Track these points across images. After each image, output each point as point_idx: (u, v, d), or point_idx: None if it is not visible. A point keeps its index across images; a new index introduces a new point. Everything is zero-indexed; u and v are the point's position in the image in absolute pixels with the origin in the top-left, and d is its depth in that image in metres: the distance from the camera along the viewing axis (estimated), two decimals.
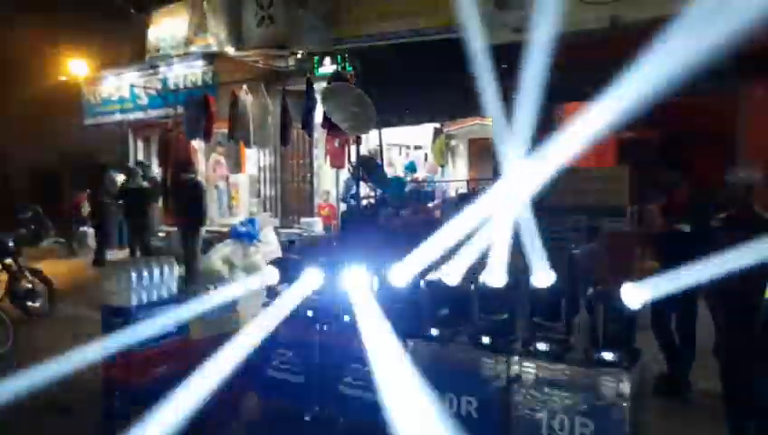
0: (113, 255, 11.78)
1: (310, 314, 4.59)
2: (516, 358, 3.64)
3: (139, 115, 13.56)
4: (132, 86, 13.40)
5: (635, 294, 3.26)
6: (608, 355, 3.38)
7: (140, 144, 15.04)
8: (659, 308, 4.35)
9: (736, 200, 3.59)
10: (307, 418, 4.48)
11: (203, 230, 8.93)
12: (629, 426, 3.32)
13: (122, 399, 4.09)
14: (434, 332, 4.00)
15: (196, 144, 11.73)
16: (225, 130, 10.60)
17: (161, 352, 4.25)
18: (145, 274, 4.16)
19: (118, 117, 14.00)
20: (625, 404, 3.28)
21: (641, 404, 3.52)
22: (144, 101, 13.39)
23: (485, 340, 3.78)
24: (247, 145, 10.83)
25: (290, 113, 9.80)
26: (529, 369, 3.57)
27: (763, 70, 7.30)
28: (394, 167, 14.46)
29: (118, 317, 4.13)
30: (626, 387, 3.29)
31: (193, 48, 11.62)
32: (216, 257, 9.40)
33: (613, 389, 3.29)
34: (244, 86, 10.34)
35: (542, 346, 3.59)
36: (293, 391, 4.57)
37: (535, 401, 3.53)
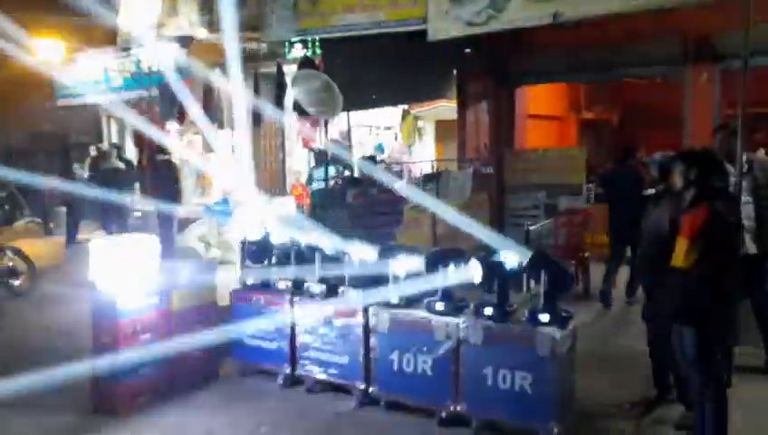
0: (88, 235, 11.93)
1: (282, 286, 4.98)
2: (465, 320, 4.08)
3: (113, 97, 13.59)
4: (106, 69, 13.44)
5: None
6: (544, 317, 3.84)
7: (114, 126, 15.10)
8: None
9: (655, 179, 4.05)
10: (280, 378, 4.89)
11: (178, 210, 9.19)
12: (560, 378, 3.80)
13: (111, 364, 4.42)
14: (393, 299, 4.41)
15: (170, 126, 11.90)
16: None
17: (145, 320, 4.58)
18: (129, 249, 4.48)
19: (91, 98, 14.01)
20: (557, 359, 3.75)
21: (572, 361, 4.00)
22: (118, 82, 13.45)
23: (439, 305, 4.21)
24: (220, 126, 11.05)
25: (262, 96, 10.05)
26: (476, 330, 4.00)
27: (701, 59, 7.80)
28: (364, 147, 14.80)
29: (104, 290, 4.45)
30: (558, 344, 3.75)
31: (165, 31, 11.72)
32: (192, 236, 9.69)
33: (548, 345, 3.75)
34: (217, 69, 10.53)
35: (488, 310, 4.03)
36: (268, 355, 4.96)
37: (482, 358, 3.97)
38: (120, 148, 11.81)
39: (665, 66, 8.59)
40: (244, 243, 5.36)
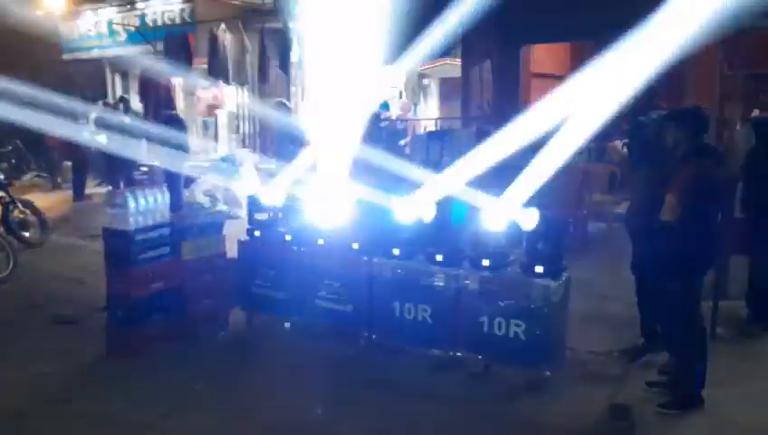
0: (93, 190, 12.08)
1: (288, 238, 5.14)
2: (463, 271, 4.25)
3: (119, 51, 13.57)
4: (110, 22, 13.39)
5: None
6: (538, 268, 4.00)
7: (119, 81, 15.10)
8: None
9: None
10: (287, 325, 5.11)
11: (185, 165, 9.30)
12: (553, 326, 3.99)
13: (124, 309, 4.63)
14: (395, 251, 4.58)
15: (176, 80, 11.92)
16: (205, 67, 10.83)
17: (157, 270, 4.76)
18: (141, 201, 4.63)
19: (96, 53, 14.00)
20: (550, 308, 3.93)
21: (564, 310, 4.18)
22: (123, 37, 13.41)
23: (438, 257, 4.38)
24: (226, 82, 11.07)
25: (268, 52, 10.05)
26: (473, 280, 4.18)
27: None
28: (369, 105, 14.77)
29: (118, 240, 4.62)
30: (551, 294, 3.93)
31: None
32: (199, 191, 9.83)
33: (541, 295, 3.93)
34: (223, 25, 10.51)
35: (485, 261, 4.20)
36: (275, 305, 5.16)
37: (478, 307, 4.16)
38: (126, 101, 11.84)
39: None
40: (251, 197, 5.50)
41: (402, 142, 10.52)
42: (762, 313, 4.91)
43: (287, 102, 9.61)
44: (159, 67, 11.32)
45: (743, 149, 4.81)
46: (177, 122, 9.20)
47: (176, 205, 7.93)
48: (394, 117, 13.89)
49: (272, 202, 5.29)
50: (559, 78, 12.93)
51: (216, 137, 13.45)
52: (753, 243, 4.83)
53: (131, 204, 4.59)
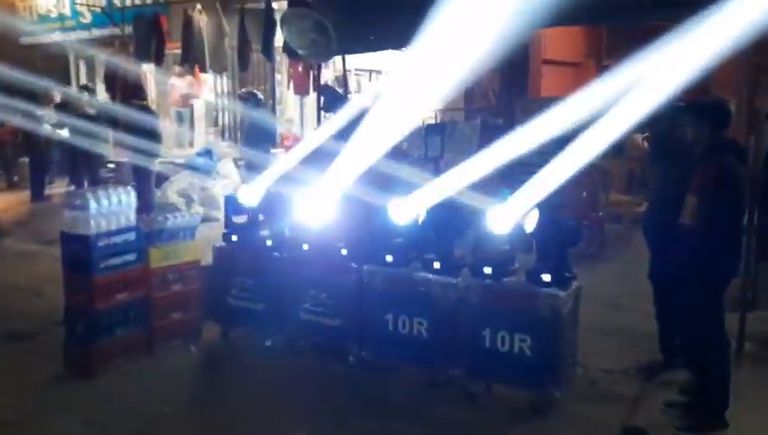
0: (54, 189, 12.04)
1: (269, 243, 5.14)
2: (463, 280, 4.26)
3: (83, 35, 13.54)
4: (73, 2, 13.37)
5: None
6: (545, 277, 4.01)
7: (83, 67, 15.07)
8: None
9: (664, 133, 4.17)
10: (268, 343, 5.10)
11: (156, 161, 9.29)
12: (562, 341, 4.00)
13: (84, 323, 4.62)
14: (388, 258, 4.58)
15: (147, 68, 11.90)
16: (179, 52, 10.82)
17: (122, 278, 4.76)
18: (103, 201, 4.61)
19: (58, 36, 13.96)
20: (558, 321, 3.94)
21: (574, 323, 4.19)
22: (87, 19, 13.38)
23: (436, 264, 4.39)
24: (202, 69, 11.06)
25: (248, 36, 10.05)
26: (474, 290, 4.19)
27: None
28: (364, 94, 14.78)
29: (77, 245, 4.61)
30: (560, 305, 3.93)
31: None
32: (172, 191, 9.82)
33: (548, 306, 3.94)
34: (198, 5, 10.50)
35: (487, 269, 4.21)
36: (254, 318, 5.15)
37: (479, 320, 4.17)
38: (90, 90, 11.81)
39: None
40: (228, 198, 5.51)
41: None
42: None
43: (257, 92, 9.62)
44: (128, 52, 11.32)
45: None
46: (147, 113, 9.20)
47: (145, 206, 7.95)
48: None
49: (251, 203, 5.28)
50: (573, 65, 13.04)
51: (191, 130, 13.44)
52: None
53: (93, 205, 4.58)
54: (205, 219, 9.15)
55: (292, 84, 11.98)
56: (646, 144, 6.36)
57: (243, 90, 10.38)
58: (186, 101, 13.38)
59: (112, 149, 11.26)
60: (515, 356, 4.06)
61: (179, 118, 13.62)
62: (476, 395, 4.23)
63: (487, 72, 9.95)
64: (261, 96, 9.67)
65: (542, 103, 9.87)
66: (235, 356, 5.08)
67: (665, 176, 4.01)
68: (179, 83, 12.85)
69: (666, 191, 3.88)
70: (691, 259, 3.60)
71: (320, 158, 5.57)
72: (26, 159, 12.33)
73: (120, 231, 4.75)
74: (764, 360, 4.58)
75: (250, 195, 5.21)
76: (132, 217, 4.89)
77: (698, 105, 3.78)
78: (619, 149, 10.72)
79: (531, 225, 4.10)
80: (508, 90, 9.79)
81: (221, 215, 9.26)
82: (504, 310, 4.10)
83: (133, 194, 4.93)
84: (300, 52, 7.16)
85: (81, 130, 10.56)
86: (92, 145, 10.75)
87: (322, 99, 8.54)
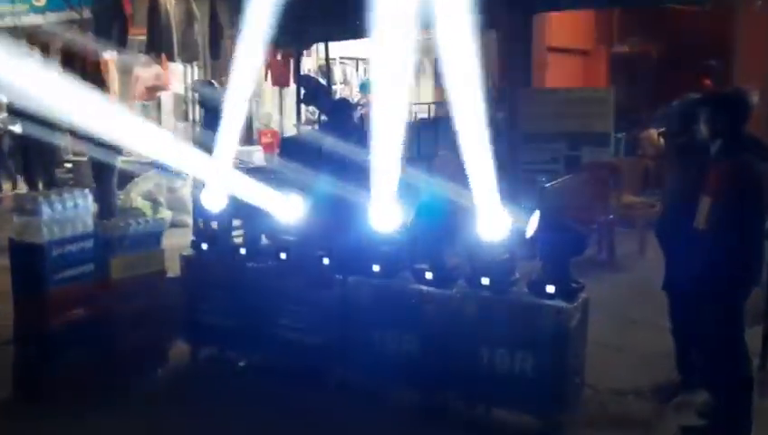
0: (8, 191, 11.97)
1: (242, 251, 5.12)
2: (459, 292, 4.25)
3: (36, 20, 13.48)
4: None
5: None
6: (550, 288, 4.01)
7: (37, 56, 14.96)
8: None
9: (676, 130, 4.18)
10: (242, 364, 5.07)
11: (119, 160, 9.24)
12: (568, 359, 4.00)
13: (37, 344, 4.58)
14: (375, 267, 4.57)
15: (109, 56, 11.84)
16: (144, 39, 10.78)
17: (78, 292, 4.71)
18: (58, 205, 4.57)
19: (8, 21, 13.88)
20: (564, 337, 3.94)
21: (581, 339, 4.19)
22: (41, 2, 13.32)
23: (428, 275, 4.38)
24: (170, 58, 11.02)
25: (220, 21, 10.04)
26: (471, 303, 4.18)
27: None
28: (350, 86, 14.82)
29: (28, 255, 4.58)
30: (565, 319, 3.93)
31: None
32: (136, 193, 9.78)
33: (552, 320, 3.94)
34: None
35: (485, 280, 4.20)
36: (226, 336, 5.13)
37: (477, 336, 4.16)
38: None
39: None
40: (197, 201, 5.48)
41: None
42: None
43: (214, 82, 9.57)
44: (87, 39, 11.24)
45: None
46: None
47: (106, 210, 7.90)
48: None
49: (223, 207, 5.26)
50: (581, 53, 13.12)
51: (158, 125, 13.38)
52: None
53: (46, 210, 4.53)
54: (173, 224, 9.12)
55: (269, 75, 11.97)
56: (662, 140, 6.38)
57: (196, 80, 10.28)
58: (152, 93, 13.33)
59: (70, 145, 11.21)
60: (516, 376, 4.05)
61: (145, 112, 13.57)
62: (475, 420, 4.21)
63: (486, 61, 10.00)
64: (217, 85, 9.59)
65: (546, 96, 10.00)
66: (205, 379, 5.04)
67: (680, 175, 4.02)
68: (145, 74, 12.79)
69: (681, 193, 3.89)
70: (706, 268, 3.61)
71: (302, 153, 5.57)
72: None
73: (76, 239, 4.70)
74: None
75: (215, 198, 5.17)
76: (90, 222, 4.85)
77: (715, 97, 3.79)
78: (632, 146, 10.83)
79: (531, 229, 4.09)
80: (510, 80, 9.81)
81: (191, 219, 9.29)
82: (504, 325, 4.09)
83: (91, 197, 4.90)
84: (276, 39, 7.15)
85: (34, 126, 10.50)
86: (48, 141, 10.65)
87: (303, 90, 8.54)
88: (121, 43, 10.87)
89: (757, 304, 4.34)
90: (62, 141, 10.38)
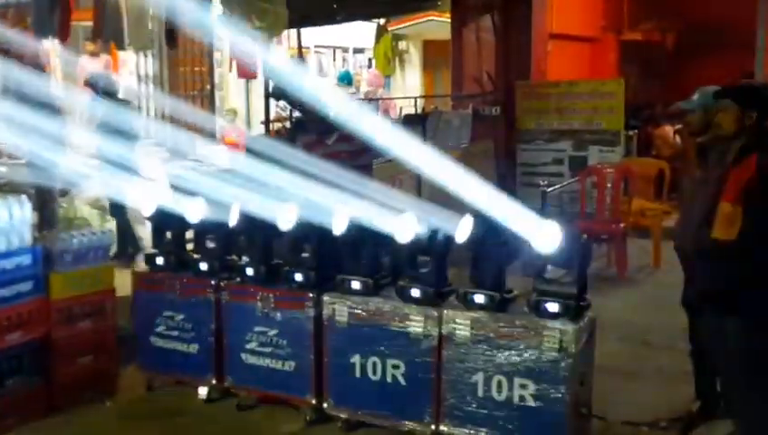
0: None
1: (204, 266, 5.11)
2: (449, 312, 4.26)
3: None
4: None
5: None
6: (552, 306, 4.03)
7: None
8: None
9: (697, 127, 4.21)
10: (203, 395, 5.06)
11: (63, 162, 9.20)
12: (573, 386, 4.01)
13: None
14: (355, 284, 4.58)
15: (50, 45, 11.79)
16: (89, 25, 10.74)
17: (13, 314, 4.68)
18: None
19: None
20: (569, 361, 3.96)
21: (588, 364, 4.21)
22: None
23: (415, 292, 4.39)
24: (120, 46, 10.99)
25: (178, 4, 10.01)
26: (463, 324, 4.20)
27: None
28: (327, 77, 14.85)
29: None
30: (569, 341, 3.95)
31: None
32: (82, 200, 9.73)
33: (555, 342, 3.95)
34: None
35: (479, 298, 4.22)
36: (185, 362, 5.12)
37: (470, 362, 4.17)
38: None
39: None
40: (153, 211, 5.47)
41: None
42: None
43: (108, 74, 9.54)
44: (25, 25, 11.20)
45: None
46: (47, 102, 9.09)
47: (46, 221, 7.84)
48: (362, 94, 13.97)
49: (184, 215, 5.25)
50: (588, 41, 13.21)
51: None
52: None
53: None
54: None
55: (234, 65, 11.95)
56: (679, 139, 6.40)
57: (91, 72, 10.17)
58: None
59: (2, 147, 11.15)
60: (516, 408, 4.06)
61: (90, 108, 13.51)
62: None
63: (479, 49, 10.07)
64: (113, 78, 9.51)
65: (548, 90, 10.06)
66: (162, 412, 5.01)
67: (700, 178, 4.04)
68: (91, 65, 12.75)
69: (700, 198, 3.92)
70: (731, 283, 3.64)
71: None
72: None
73: (10, 254, 4.69)
74: None
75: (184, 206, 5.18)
76: (28, 235, 4.83)
77: (738, 88, 3.83)
78: (645, 145, 10.92)
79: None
80: (506, 72, 9.88)
81: (144, 231, 9.25)
82: (500, 348, 4.10)
83: (28, 205, 4.88)
84: (245, 24, 7.18)
85: None
86: None
87: (272, 83, 8.54)
88: (63, 29, 10.82)
89: None
90: None
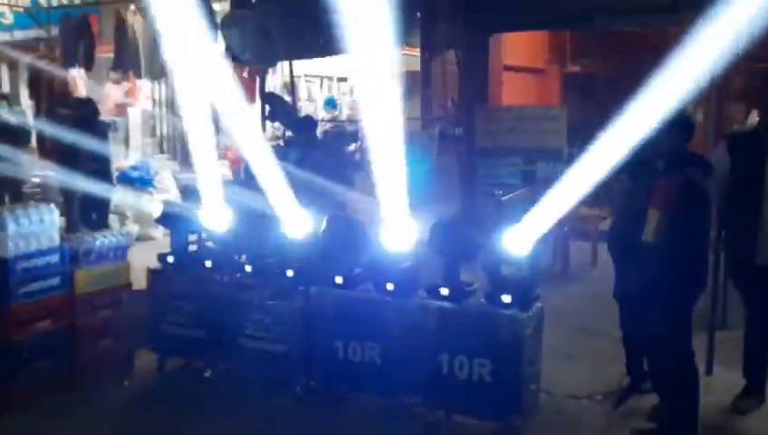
0: None
1: (208, 264, 5.07)
2: (419, 302, 4.26)
3: (4, 37, 13.27)
4: None
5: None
6: (506, 297, 4.04)
7: (5, 73, 14.72)
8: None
9: None
10: (207, 374, 5.01)
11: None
12: (524, 365, 4.02)
13: (2, 356, 4.47)
14: (338, 279, 4.56)
15: (76, 73, 11.69)
16: (111, 57, 10.67)
17: (43, 306, 4.62)
18: (23, 220, 4.49)
19: None
20: (520, 344, 3.96)
21: (537, 347, 4.22)
22: (9, 20, 13.11)
23: (390, 286, 4.38)
24: (137, 75, 10.92)
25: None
26: (431, 312, 4.19)
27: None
28: (315, 103, 14.79)
29: None
30: (521, 327, 3.96)
31: None
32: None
33: (509, 329, 3.96)
34: (132, 6, 10.38)
35: (444, 290, 4.22)
36: (192, 345, 5.07)
37: (437, 344, 4.16)
38: (6, 98, 11.51)
39: (654, 14, 8.80)
40: (164, 215, 5.43)
41: (352, 147, 10.55)
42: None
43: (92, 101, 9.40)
44: (55, 56, 11.08)
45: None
46: (74, 124, 8.99)
47: (75, 231, 7.74)
48: (345, 117, 13.94)
49: (193, 220, 5.20)
50: (535, 72, 13.28)
51: (126, 141, 13.21)
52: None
53: (11, 224, 4.46)
54: (139, 238, 9.01)
55: None
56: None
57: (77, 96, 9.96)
58: (121, 109, 13.17)
59: (37, 163, 11.01)
60: (475, 383, 4.07)
61: (113, 128, 13.37)
62: (435, 425, 4.21)
63: (444, 79, 10.08)
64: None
65: (502, 113, 10.10)
66: (172, 389, 4.97)
67: (628, 189, 4.09)
68: (115, 91, 12.65)
69: (630, 206, 3.95)
70: (654, 278, 3.67)
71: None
72: None
73: (41, 253, 4.63)
74: (735, 383, 4.66)
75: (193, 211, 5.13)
76: (56, 236, 4.77)
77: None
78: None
79: (495, 241, 4.13)
80: (467, 98, 9.90)
81: (157, 233, 9.16)
82: (462, 333, 4.10)
83: (57, 212, 4.82)
84: (242, 57, 7.15)
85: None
86: (14, 158, 10.45)
87: (267, 108, 8.50)
88: (88, 60, 10.74)
89: (702, 311, 4.41)
90: (28, 157, 10.19)
